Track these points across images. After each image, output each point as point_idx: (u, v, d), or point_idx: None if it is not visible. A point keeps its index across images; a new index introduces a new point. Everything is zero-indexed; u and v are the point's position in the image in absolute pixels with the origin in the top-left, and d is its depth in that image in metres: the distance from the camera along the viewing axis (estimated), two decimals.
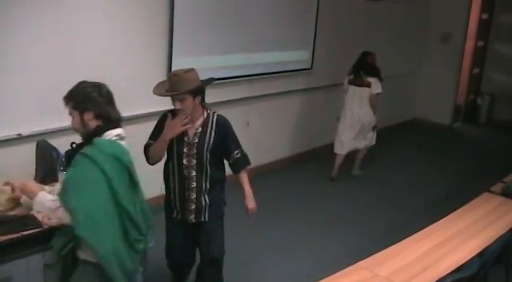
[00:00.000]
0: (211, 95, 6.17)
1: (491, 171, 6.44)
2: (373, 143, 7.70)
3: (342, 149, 7.45)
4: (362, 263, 3.60)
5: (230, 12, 6.27)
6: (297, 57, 7.45)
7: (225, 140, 3.95)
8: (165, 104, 5.64)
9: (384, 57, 9.22)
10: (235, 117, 6.63)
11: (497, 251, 3.92)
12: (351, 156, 7.61)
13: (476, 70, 11.63)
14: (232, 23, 6.34)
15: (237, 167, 4.04)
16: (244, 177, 4.08)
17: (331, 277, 3.37)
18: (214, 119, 3.96)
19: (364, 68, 7.33)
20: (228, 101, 6.56)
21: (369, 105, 7.33)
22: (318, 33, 7.56)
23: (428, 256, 3.77)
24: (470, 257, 3.77)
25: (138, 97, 5.41)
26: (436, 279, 3.43)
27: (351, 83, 7.39)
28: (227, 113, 6.45)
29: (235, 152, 4.01)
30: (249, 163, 4.12)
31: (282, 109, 7.48)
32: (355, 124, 7.38)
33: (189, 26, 5.83)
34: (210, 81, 4.11)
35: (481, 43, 11.53)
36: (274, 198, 6.61)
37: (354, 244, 5.51)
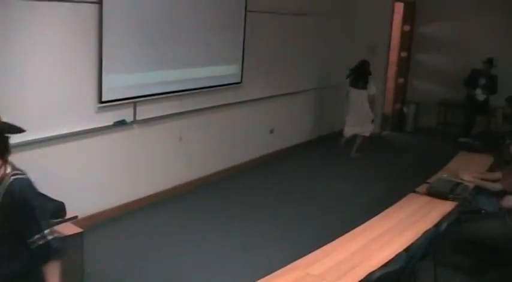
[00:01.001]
0: (144, 112, 6.30)
1: (418, 174, 6.69)
2: (369, 133, 9.60)
3: (347, 132, 9.53)
4: (295, 263, 3.72)
5: (160, 28, 6.33)
6: (226, 71, 7.55)
7: (17, 218, 2.61)
8: (105, 120, 5.73)
9: (314, 69, 9.52)
10: (167, 133, 6.77)
11: (422, 246, 4.12)
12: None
13: (401, 80, 12.06)
14: (163, 39, 6.41)
15: (37, 258, 2.65)
16: (49, 274, 2.68)
17: (264, 279, 3.47)
18: (7, 184, 2.59)
19: (362, 74, 9.23)
20: (161, 116, 6.64)
21: (367, 103, 9.28)
22: (246, 48, 7.70)
23: (358, 254, 3.94)
24: (398, 252, 3.95)
25: (66, 116, 5.45)
26: (366, 274, 3.58)
27: (352, 86, 9.35)
28: (160, 129, 6.61)
29: (36, 237, 2.62)
30: (54, 254, 2.67)
31: (214, 123, 7.56)
32: (357, 117, 9.36)
33: (119, 43, 5.85)
34: (13, 131, 2.66)
35: (404, 54, 11.97)
36: (208, 210, 6.70)
37: (291, 249, 5.62)
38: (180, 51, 6.69)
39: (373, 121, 9.66)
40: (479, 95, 10.52)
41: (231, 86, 7.66)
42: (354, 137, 9.56)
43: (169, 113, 6.75)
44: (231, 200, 7.14)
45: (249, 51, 7.78)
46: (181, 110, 6.91)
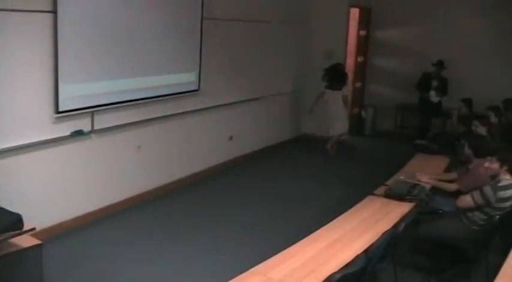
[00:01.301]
0: (102, 122, 6.26)
1: (377, 176, 6.76)
2: (346, 130, 10.41)
3: (332, 132, 10.14)
4: (256, 268, 3.74)
5: (117, 37, 6.30)
6: (184, 79, 7.54)
7: None
8: (62, 130, 5.67)
9: (272, 76, 9.58)
10: (126, 142, 6.73)
11: (381, 247, 4.18)
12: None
13: (358, 84, 12.20)
14: (120, 48, 6.37)
15: None
16: None
17: None
18: None
19: (338, 76, 9.88)
20: (119, 126, 6.60)
21: (343, 102, 9.93)
22: (203, 56, 7.71)
23: (318, 256, 3.99)
24: (357, 254, 4.01)
25: (22, 128, 5.39)
26: (326, 276, 3.62)
27: (327, 88, 9.91)
28: (118, 139, 6.58)
29: None
30: None
31: (172, 131, 7.54)
32: (336, 118, 9.99)
33: (75, 53, 5.79)
34: None
35: (361, 58, 12.11)
36: (168, 219, 6.69)
37: (253, 253, 5.62)
38: (137, 59, 6.67)
39: (348, 118, 10.46)
40: (433, 97, 10.74)
41: (188, 93, 7.64)
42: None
43: (127, 122, 6.71)
44: (191, 208, 7.13)
45: (206, 59, 7.78)
46: (139, 119, 6.88)
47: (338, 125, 10.14)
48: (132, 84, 6.68)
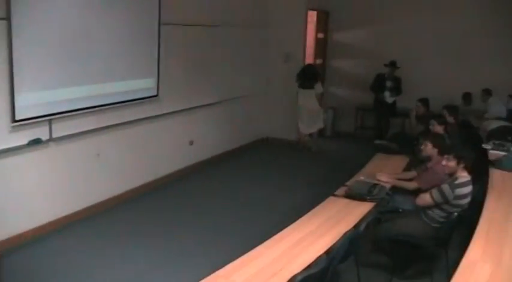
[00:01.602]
0: (60, 129, 6.18)
1: (337, 177, 6.81)
2: (323, 125, 10.99)
3: (304, 130, 10.81)
4: (219, 271, 3.74)
5: (74, 44, 6.21)
6: (142, 85, 7.48)
7: None
8: (20, 139, 5.58)
9: (232, 79, 9.59)
10: (85, 150, 6.66)
11: (343, 248, 4.22)
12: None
13: None
14: (77, 54, 6.29)
15: None
16: None
17: None
18: None
19: (308, 76, 10.41)
20: (77, 133, 6.52)
21: (316, 100, 10.48)
22: (161, 61, 7.66)
23: (281, 258, 4.00)
24: (319, 255, 4.03)
25: None
26: (288, 278, 3.64)
27: (300, 87, 10.52)
28: (77, 146, 6.50)
29: None
30: None
31: (132, 138, 7.49)
32: (309, 116, 10.59)
33: (31, 60, 5.70)
34: None
35: (319, 61, 12.22)
36: (130, 226, 6.64)
37: (215, 258, 5.62)
38: (95, 66, 6.60)
39: (323, 113, 10.99)
40: (388, 97, 10.91)
41: (147, 99, 7.59)
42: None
43: (86, 129, 6.63)
44: (154, 214, 7.09)
45: (164, 64, 7.74)
46: (98, 126, 6.81)
47: (311, 123, 10.72)
48: (90, 91, 6.59)
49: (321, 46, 12.27)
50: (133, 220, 6.82)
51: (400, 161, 7.16)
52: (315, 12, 11.70)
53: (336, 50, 12.32)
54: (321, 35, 12.16)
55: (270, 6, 10.90)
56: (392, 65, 10.78)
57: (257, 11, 10.55)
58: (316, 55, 12.08)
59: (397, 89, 10.89)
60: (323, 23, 12.18)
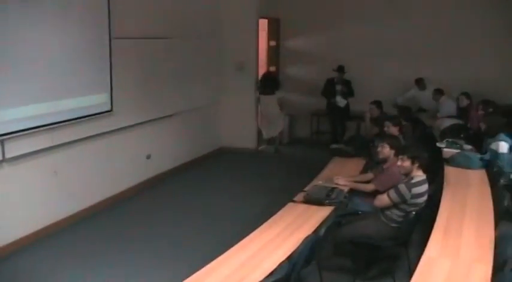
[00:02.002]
0: (13, 149, 6.07)
1: (296, 183, 6.83)
2: (282, 128, 11.58)
3: (266, 135, 11.46)
4: None
5: (23, 61, 6.10)
6: (96, 101, 7.38)
7: None
8: None
9: (187, 91, 9.56)
10: (41, 169, 6.56)
11: (304, 253, 4.23)
12: None
13: None
14: (27, 72, 6.17)
15: None
16: None
17: None
18: None
19: (268, 82, 11.12)
20: (32, 152, 6.41)
21: (277, 105, 11.13)
22: (114, 75, 7.58)
23: (242, 267, 4.00)
24: (280, 261, 4.04)
25: None
26: None
27: (261, 94, 11.14)
28: (33, 165, 6.39)
29: None
30: None
31: (88, 154, 7.39)
32: (270, 120, 11.24)
33: None
34: None
35: (272, 68, 12.28)
36: (90, 243, 6.54)
37: (175, 274, 5.62)
38: (47, 83, 6.49)
39: (285, 117, 11.68)
40: (340, 101, 11.06)
41: (101, 115, 7.49)
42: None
43: (40, 148, 6.53)
44: (114, 229, 7.00)
45: (117, 79, 7.66)
46: (53, 144, 6.70)
47: (272, 127, 11.36)
48: (42, 109, 6.48)
49: (274, 53, 12.34)
50: (94, 237, 6.72)
51: (356, 164, 7.23)
52: (266, 20, 11.76)
53: (288, 57, 12.40)
54: (273, 43, 12.23)
55: (222, 16, 10.91)
56: (340, 69, 10.95)
57: (208, 21, 10.54)
58: (269, 63, 12.15)
59: (348, 92, 11.05)
60: (275, 31, 12.26)
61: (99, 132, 7.52)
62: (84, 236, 6.76)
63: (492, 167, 6.81)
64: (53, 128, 6.67)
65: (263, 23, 11.69)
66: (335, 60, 11.31)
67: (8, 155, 6.08)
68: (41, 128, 6.48)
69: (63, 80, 6.75)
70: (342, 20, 11.77)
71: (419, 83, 10.96)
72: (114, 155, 7.94)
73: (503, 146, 6.96)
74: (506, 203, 5.54)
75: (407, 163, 5.29)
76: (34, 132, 6.38)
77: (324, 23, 11.91)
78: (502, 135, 7.11)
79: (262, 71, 11.79)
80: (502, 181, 6.21)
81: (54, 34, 6.57)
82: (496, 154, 6.94)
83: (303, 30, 12.19)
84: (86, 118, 7.20)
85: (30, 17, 6.18)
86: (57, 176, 6.84)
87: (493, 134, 7.27)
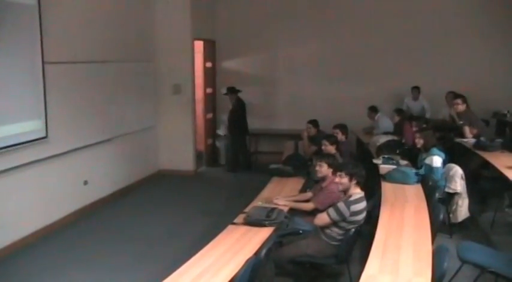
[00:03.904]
0: None
1: (236, 205, 6.80)
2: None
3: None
4: None
5: None
6: (29, 127, 7.17)
7: None
8: None
9: (123, 115, 9.44)
10: None
11: (245, 276, 4.20)
12: None
13: (209, 115, 12.33)
14: None
15: None
16: None
17: None
18: None
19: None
20: None
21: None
22: (48, 101, 7.41)
23: None
24: None
25: None
26: None
27: None
28: None
29: None
30: None
31: (23, 182, 7.16)
32: None
33: None
34: None
35: (209, 90, 12.27)
36: (25, 277, 6.31)
37: None
38: None
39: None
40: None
41: (35, 142, 7.28)
42: None
43: None
44: (51, 257, 6.80)
45: (52, 104, 7.50)
46: None
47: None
48: None
49: (210, 75, 12.33)
50: (29, 270, 6.48)
51: (295, 183, 7.24)
52: (201, 42, 11.75)
53: (225, 78, 12.42)
54: (209, 64, 12.23)
55: (156, 39, 10.87)
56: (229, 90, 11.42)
57: (143, 45, 10.47)
58: (206, 84, 12.12)
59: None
60: (211, 52, 12.28)
61: (34, 159, 7.30)
62: (16, 268, 6.52)
63: (427, 181, 6.95)
64: None
65: (199, 45, 11.68)
66: (271, 80, 11.43)
67: None
68: None
69: None
70: (277, 41, 11.96)
71: (414, 92, 11.16)
72: (50, 183, 7.73)
73: (437, 160, 7.12)
74: (441, 216, 5.66)
75: (345, 180, 5.36)
76: None
77: (259, 44, 12.09)
78: (435, 150, 7.29)
79: (199, 92, 11.78)
80: (437, 195, 6.35)
81: None
82: (431, 168, 7.10)
83: (239, 51, 12.31)
84: (20, 146, 6.99)
85: None
86: None
87: (427, 149, 7.44)
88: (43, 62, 7.32)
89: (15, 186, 7.07)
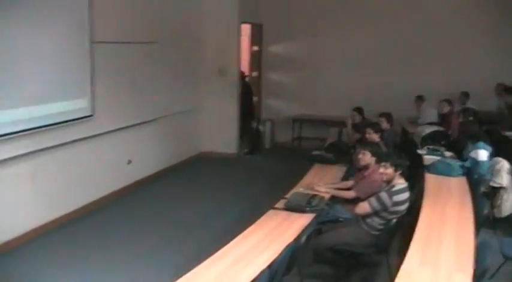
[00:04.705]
0: None
1: (277, 190, 6.79)
2: None
3: None
4: None
5: (2, 66, 6.00)
6: (76, 105, 7.29)
7: None
8: None
9: (168, 95, 9.51)
10: (20, 174, 6.45)
11: (285, 261, 4.22)
12: None
13: (255, 99, 12.32)
14: (8, 76, 6.08)
15: None
16: None
17: None
18: None
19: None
20: (11, 157, 6.30)
21: None
22: (95, 80, 7.52)
23: (222, 276, 3.97)
24: (261, 269, 4.01)
25: None
26: None
27: None
28: (11, 171, 6.29)
29: None
30: None
31: (68, 160, 7.29)
32: None
33: None
34: None
35: (255, 73, 12.27)
36: (70, 249, 6.45)
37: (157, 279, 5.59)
38: (26, 88, 6.39)
39: None
40: None
41: (82, 119, 7.40)
42: None
43: (18, 153, 6.41)
44: (92, 237, 6.91)
45: (99, 83, 7.60)
46: (31, 150, 6.59)
47: None
48: (21, 114, 6.37)
49: (256, 59, 12.33)
50: (72, 244, 6.63)
51: (337, 171, 7.21)
52: (248, 25, 11.75)
53: (271, 62, 12.41)
54: (255, 48, 12.23)
55: (204, 21, 10.87)
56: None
57: (190, 26, 10.50)
58: (252, 68, 12.13)
59: None
60: (257, 36, 12.26)
61: (79, 137, 7.41)
62: (62, 242, 6.67)
63: (472, 174, 6.84)
64: (32, 133, 6.56)
65: (246, 28, 11.68)
66: (317, 65, 11.36)
67: None
68: (19, 134, 6.37)
69: (43, 85, 6.68)
70: (324, 26, 11.81)
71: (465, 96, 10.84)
72: (94, 161, 7.85)
73: (482, 154, 7.00)
74: (486, 211, 5.58)
75: (390, 170, 5.30)
76: (12, 137, 6.26)
77: (306, 28, 11.95)
78: (481, 143, 7.16)
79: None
80: (482, 189, 6.25)
81: (33, 39, 6.48)
82: (476, 162, 6.98)
83: (286, 35, 12.22)
84: (66, 123, 7.12)
85: (9, 22, 6.10)
86: (34, 182, 6.73)
87: (472, 142, 7.31)
88: (91, 41, 7.41)
89: (61, 163, 7.20)
